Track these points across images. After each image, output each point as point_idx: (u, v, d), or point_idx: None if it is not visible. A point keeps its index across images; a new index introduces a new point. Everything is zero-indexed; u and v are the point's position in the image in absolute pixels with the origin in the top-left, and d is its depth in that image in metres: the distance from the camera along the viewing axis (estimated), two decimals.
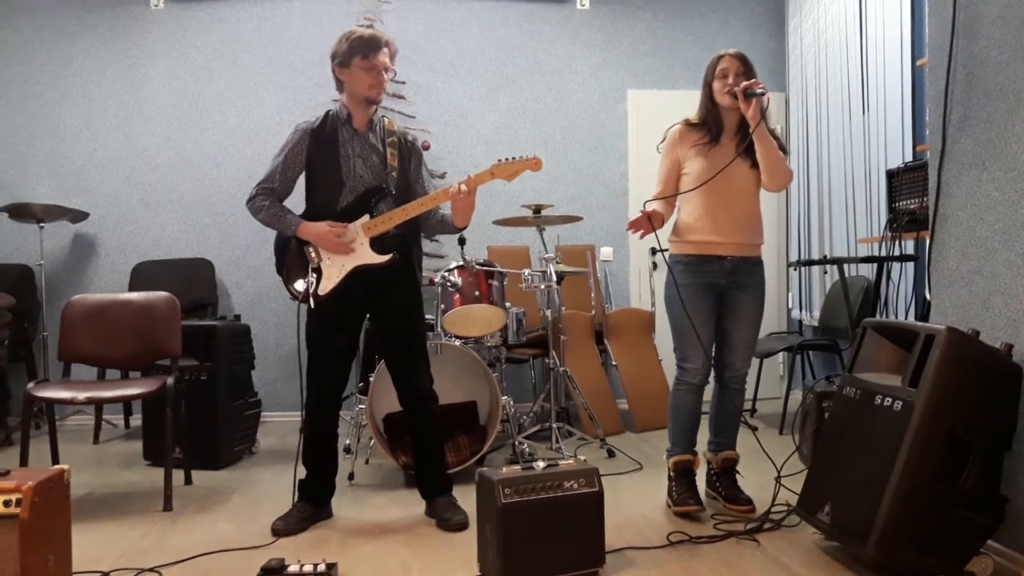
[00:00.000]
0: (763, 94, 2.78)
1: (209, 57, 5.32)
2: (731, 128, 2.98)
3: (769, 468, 3.30)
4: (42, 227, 4.77)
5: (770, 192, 3.03)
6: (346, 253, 2.86)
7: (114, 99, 5.27)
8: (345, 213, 2.88)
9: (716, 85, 2.93)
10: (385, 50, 2.88)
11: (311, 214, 2.92)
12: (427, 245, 5.16)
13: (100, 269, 5.25)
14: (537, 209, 4.06)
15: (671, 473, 3.07)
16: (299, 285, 2.89)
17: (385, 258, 2.86)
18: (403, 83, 5.30)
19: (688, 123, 3.03)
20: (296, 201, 2.99)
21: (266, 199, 2.92)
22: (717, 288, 3.00)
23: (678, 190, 3.03)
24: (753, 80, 2.83)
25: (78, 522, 2.89)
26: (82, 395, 3.22)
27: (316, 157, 2.93)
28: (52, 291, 5.03)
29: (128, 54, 5.28)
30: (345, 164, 2.91)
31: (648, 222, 2.90)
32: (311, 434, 2.99)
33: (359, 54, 2.85)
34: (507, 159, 2.86)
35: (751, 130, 2.84)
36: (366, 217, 2.88)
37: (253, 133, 5.30)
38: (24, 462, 3.18)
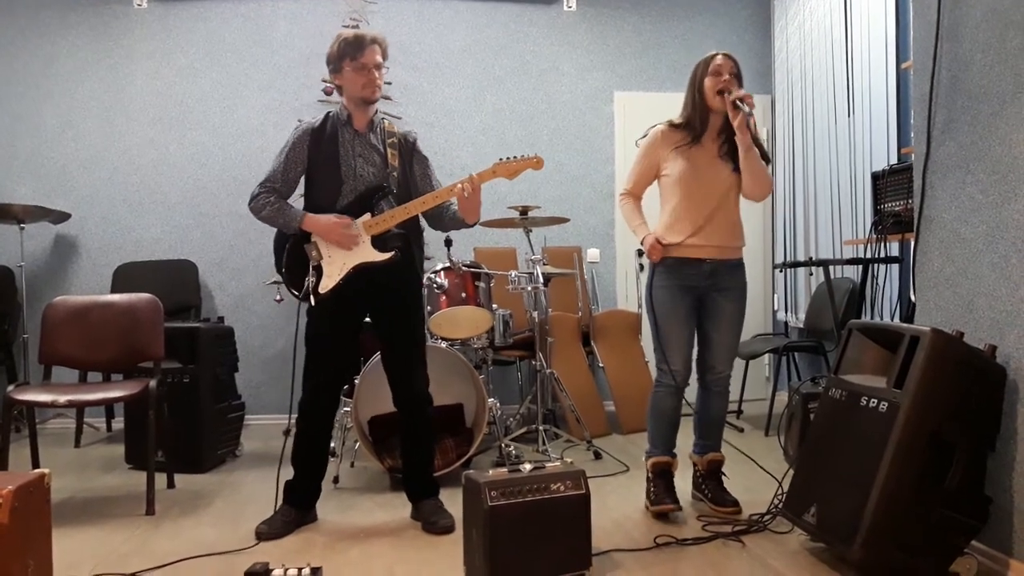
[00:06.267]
0: (750, 113, 2.80)
1: (193, 57, 5.28)
2: (714, 129, 2.98)
3: (754, 470, 3.31)
4: (23, 228, 4.72)
5: (752, 201, 3.04)
6: (350, 248, 2.85)
7: (97, 99, 5.22)
8: (345, 212, 2.88)
9: (708, 82, 2.92)
10: (374, 47, 2.86)
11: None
12: None
13: (82, 271, 5.19)
14: (524, 210, 4.05)
15: (649, 474, 3.07)
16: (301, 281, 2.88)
17: (386, 256, 2.85)
18: (389, 84, 5.27)
19: (671, 124, 3.04)
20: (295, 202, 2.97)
21: (269, 196, 2.90)
22: (696, 291, 3.00)
23: (646, 189, 3.12)
24: (745, 93, 2.83)
25: (59, 526, 2.85)
26: (63, 398, 3.18)
27: (316, 156, 2.92)
28: (33, 293, 4.98)
29: (111, 54, 5.23)
30: (345, 164, 2.91)
31: (659, 246, 2.95)
32: (303, 433, 2.96)
33: (347, 56, 2.85)
34: (509, 158, 2.87)
35: (740, 146, 2.87)
36: (367, 216, 2.87)
37: (237, 134, 5.27)
38: (3, 466, 3.14)
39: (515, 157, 2.87)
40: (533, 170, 2.90)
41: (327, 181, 2.91)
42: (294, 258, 2.91)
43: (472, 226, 2.97)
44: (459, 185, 2.79)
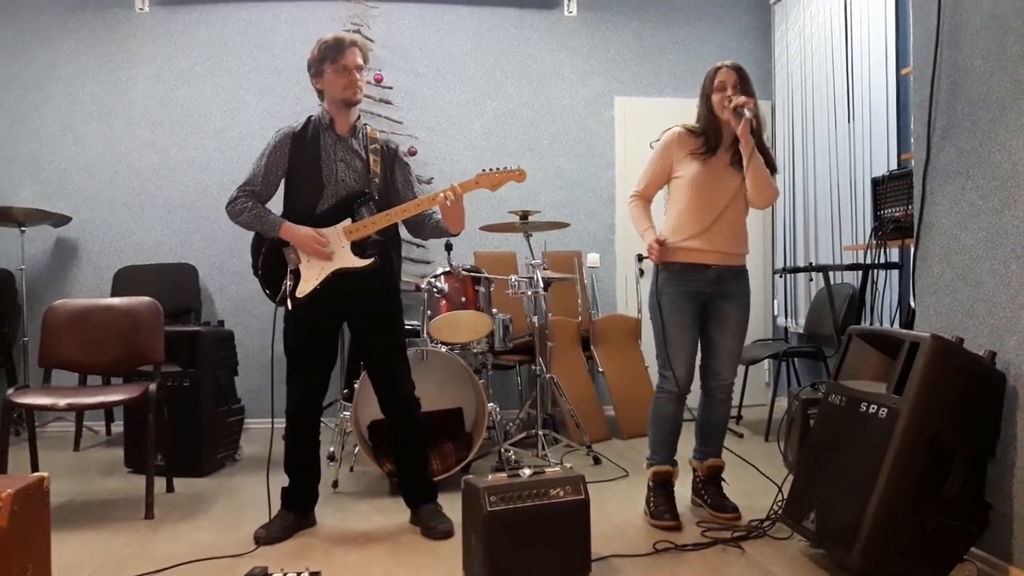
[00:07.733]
0: (748, 117, 2.80)
1: (194, 61, 5.29)
2: (728, 139, 2.98)
3: (754, 475, 3.31)
4: (23, 231, 4.72)
5: (756, 209, 3.05)
6: (326, 259, 2.84)
7: (98, 103, 5.22)
8: (325, 216, 2.86)
9: (715, 98, 2.92)
10: (354, 49, 2.86)
11: (290, 217, 2.89)
12: (413, 251, 5.15)
13: (82, 274, 5.19)
14: (524, 215, 4.05)
15: (650, 483, 3.06)
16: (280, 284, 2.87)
17: (365, 262, 2.84)
18: (390, 88, 5.29)
19: (688, 129, 3.03)
20: (275, 205, 2.97)
21: (248, 200, 2.89)
22: (701, 297, 2.99)
23: (657, 191, 3.10)
24: (744, 100, 2.83)
25: (58, 530, 2.84)
26: (63, 401, 3.18)
27: (297, 160, 2.91)
28: (33, 296, 4.98)
29: (112, 57, 5.24)
30: (326, 167, 2.90)
31: (656, 246, 2.94)
32: (291, 441, 2.96)
33: (328, 59, 2.85)
34: (492, 169, 2.88)
35: (744, 152, 2.87)
36: (348, 221, 2.86)
37: (238, 137, 5.27)
38: (3, 469, 3.13)
39: (498, 169, 2.87)
40: (516, 182, 2.91)
41: (308, 185, 2.89)
42: (271, 261, 2.90)
43: (455, 235, 2.98)
44: (441, 194, 2.79)
